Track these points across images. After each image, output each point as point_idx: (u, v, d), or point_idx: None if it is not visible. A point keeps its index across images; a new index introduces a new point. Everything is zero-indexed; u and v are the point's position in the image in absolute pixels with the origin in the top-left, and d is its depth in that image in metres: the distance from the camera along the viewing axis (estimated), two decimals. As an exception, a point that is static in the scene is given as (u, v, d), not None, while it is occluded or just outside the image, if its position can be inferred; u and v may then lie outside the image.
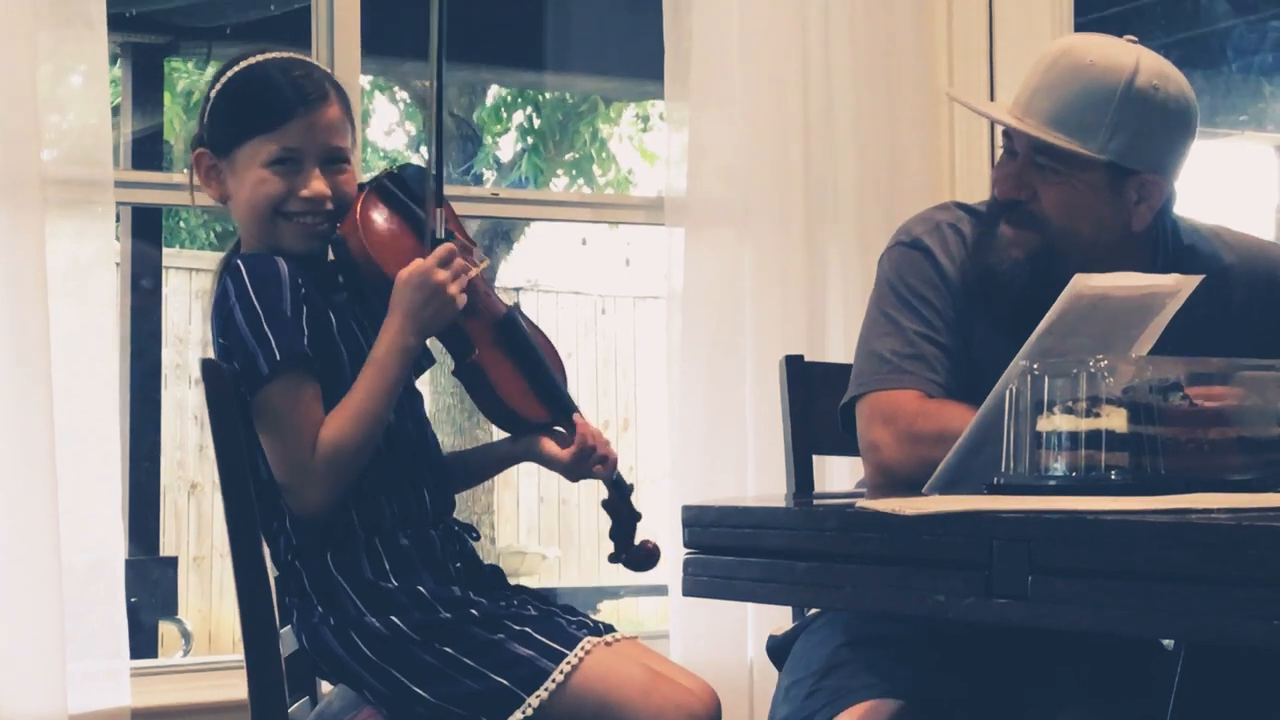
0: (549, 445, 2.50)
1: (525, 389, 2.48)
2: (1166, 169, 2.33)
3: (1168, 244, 2.41)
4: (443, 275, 2.35)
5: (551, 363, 2.53)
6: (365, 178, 2.51)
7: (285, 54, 2.44)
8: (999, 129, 2.43)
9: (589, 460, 2.50)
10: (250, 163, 2.37)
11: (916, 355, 2.34)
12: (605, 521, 2.59)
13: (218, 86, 2.42)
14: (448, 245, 2.38)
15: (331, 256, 2.43)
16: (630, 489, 2.58)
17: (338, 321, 2.36)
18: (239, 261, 2.34)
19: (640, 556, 2.56)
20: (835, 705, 2.12)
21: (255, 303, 2.28)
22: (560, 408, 2.51)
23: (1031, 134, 2.28)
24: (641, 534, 2.58)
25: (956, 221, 2.43)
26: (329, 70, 2.50)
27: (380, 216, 2.42)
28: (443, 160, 2.47)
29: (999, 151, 2.41)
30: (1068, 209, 2.30)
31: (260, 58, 2.42)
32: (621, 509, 2.56)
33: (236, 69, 2.42)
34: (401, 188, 2.46)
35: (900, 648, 2.17)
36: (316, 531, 2.32)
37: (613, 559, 2.58)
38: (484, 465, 2.62)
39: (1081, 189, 2.30)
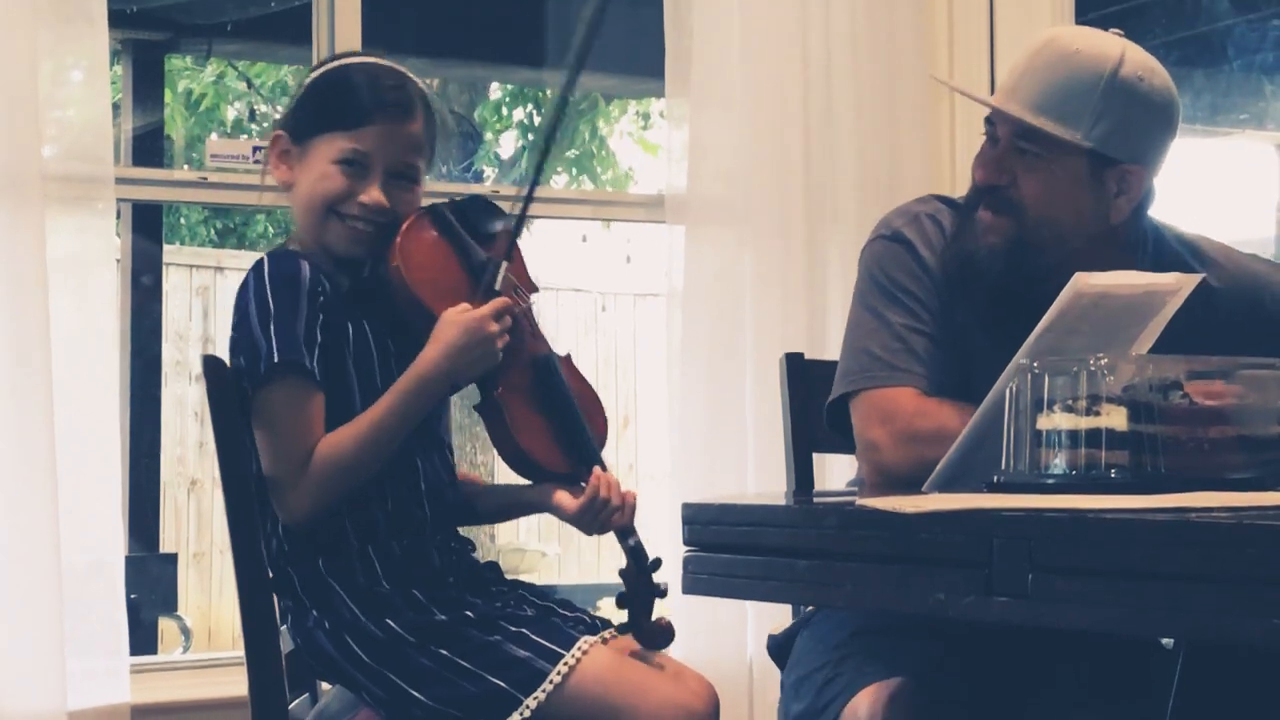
0: (560, 496, 2.41)
1: (545, 434, 2.41)
2: (1147, 162, 2.33)
3: (1148, 248, 2.41)
4: (494, 327, 2.33)
5: (590, 415, 2.45)
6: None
7: (388, 63, 2.43)
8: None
9: (600, 512, 2.40)
10: (321, 156, 2.37)
11: (906, 350, 2.34)
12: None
13: (314, 76, 2.43)
14: (505, 300, 2.36)
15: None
16: (654, 564, 2.42)
17: (355, 335, 2.35)
18: (264, 257, 2.34)
19: (651, 634, 2.40)
20: (851, 689, 2.11)
21: (269, 301, 2.28)
22: (582, 460, 2.42)
23: (1016, 116, 2.28)
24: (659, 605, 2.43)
25: (935, 213, 2.44)
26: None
27: (430, 243, 2.40)
28: (524, 219, 2.43)
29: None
30: (1047, 195, 2.30)
31: (361, 59, 2.43)
32: (637, 581, 2.41)
33: (336, 64, 2.43)
34: (461, 219, 2.44)
35: (907, 635, 2.17)
36: (306, 537, 2.32)
37: (622, 630, 2.39)
38: (509, 505, 2.55)
39: (1061, 176, 2.30)
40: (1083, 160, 2.29)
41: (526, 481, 2.46)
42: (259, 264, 2.33)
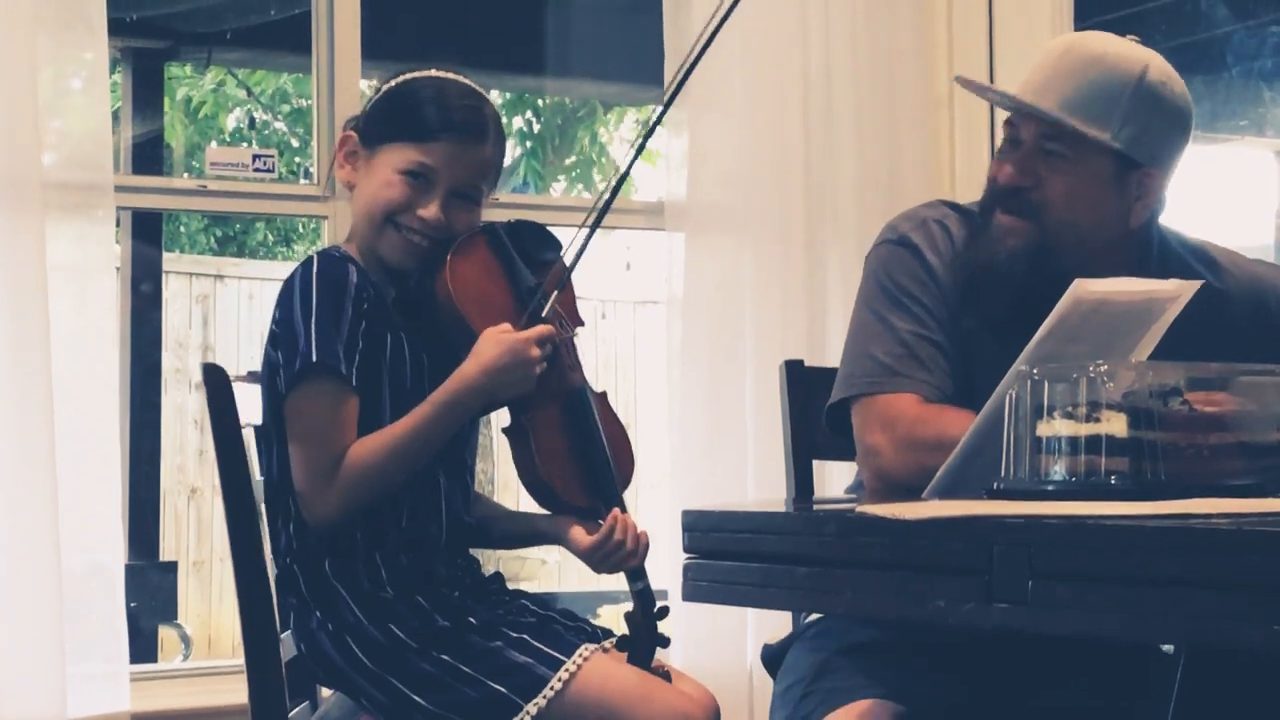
0: (575, 531, 2.40)
1: (569, 467, 2.41)
2: (1166, 167, 2.34)
3: (1155, 253, 2.41)
4: (536, 352, 2.34)
5: (617, 454, 2.44)
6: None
7: (468, 83, 2.45)
8: (1000, 131, 2.43)
9: (612, 554, 2.38)
10: (388, 163, 2.37)
11: (910, 356, 2.34)
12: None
13: (393, 83, 2.44)
14: (549, 328, 2.36)
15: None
16: (659, 612, 2.42)
17: (393, 346, 2.35)
18: (314, 256, 2.35)
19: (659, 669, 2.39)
20: (827, 705, 2.12)
21: (314, 301, 2.28)
22: (601, 497, 2.41)
23: (1049, 114, 2.27)
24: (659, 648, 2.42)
25: (943, 218, 2.43)
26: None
27: (481, 262, 2.41)
28: (584, 250, 2.43)
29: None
30: (1071, 197, 2.30)
31: (446, 74, 2.44)
32: (642, 627, 2.39)
33: (418, 75, 2.44)
34: (515, 241, 2.44)
35: (893, 654, 2.17)
36: (317, 538, 2.32)
37: (632, 648, 2.38)
38: (522, 533, 2.54)
39: (1087, 177, 2.30)
40: (1108, 162, 2.29)
41: (543, 511, 2.46)
42: (309, 261, 2.34)
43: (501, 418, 2.43)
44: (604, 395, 2.50)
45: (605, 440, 2.43)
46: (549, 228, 2.54)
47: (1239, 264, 2.49)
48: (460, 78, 2.45)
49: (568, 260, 2.45)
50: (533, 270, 2.44)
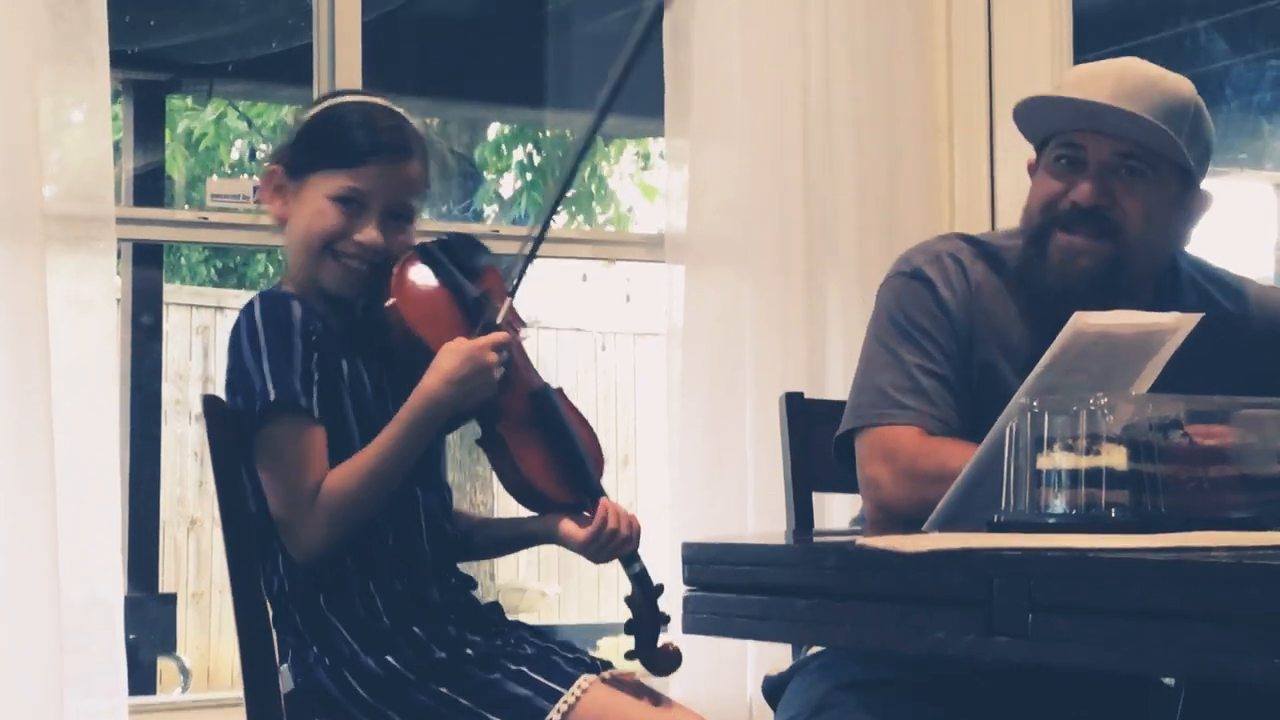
0: (567, 526, 2.39)
1: (548, 465, 2.41)
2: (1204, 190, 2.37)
3: (1170, 278, 2.41)
4: (493, 358, 2.33)
5: (586, 446, 2.44)
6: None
7: (386, 103, 2.44)
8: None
9: (609, 542, 2.38)
10: (317, 192, 2.37)
11: (917, 389, 2.33)
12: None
13: (313, 112, 2.43)
14: (503, 335, 2.36)
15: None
16: (658, 589, 2.43)
17: (350, 373, 2.35)
18: (255, 299, 2.34)
19: (659, 660, 2.42)
20: None
21: (262, 342, 2.28)
22: (585, 490, 2.41)
23: (1150, 121, 2.24)
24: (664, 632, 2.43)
25: (957, 252, 2.42)
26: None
27: (425, 281, 2.40)
28: (531, 260, 2.44)
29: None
30: (1149, 214, 2.29)
31: (361, 98, 2.44)
32: (643, 608, 2.42)
33: (334, 101, 2.44)
34: (451, 257, 2.44)
35: (892, 691, 2.17)
36: (309, 573, 2.32)
37: (629, 656, 2.41)
38: (509, 538, 2.54)
39: (1162, 196, 2.30)
40: (1177, 180, 2.31)
41: (529, 514, 2.46)
42: (250, 305, 2.33)
43: (473, 431, 2.43)
44: (562, 390, 2.50)
45: (575, 433, 2.43)
46: (544, 259, 2.54)
47: (1255, 290, 2.49)
48: (380, 99, 2.45)
49: (520, 267, 2.45)
50: (472, 280, 2.45)
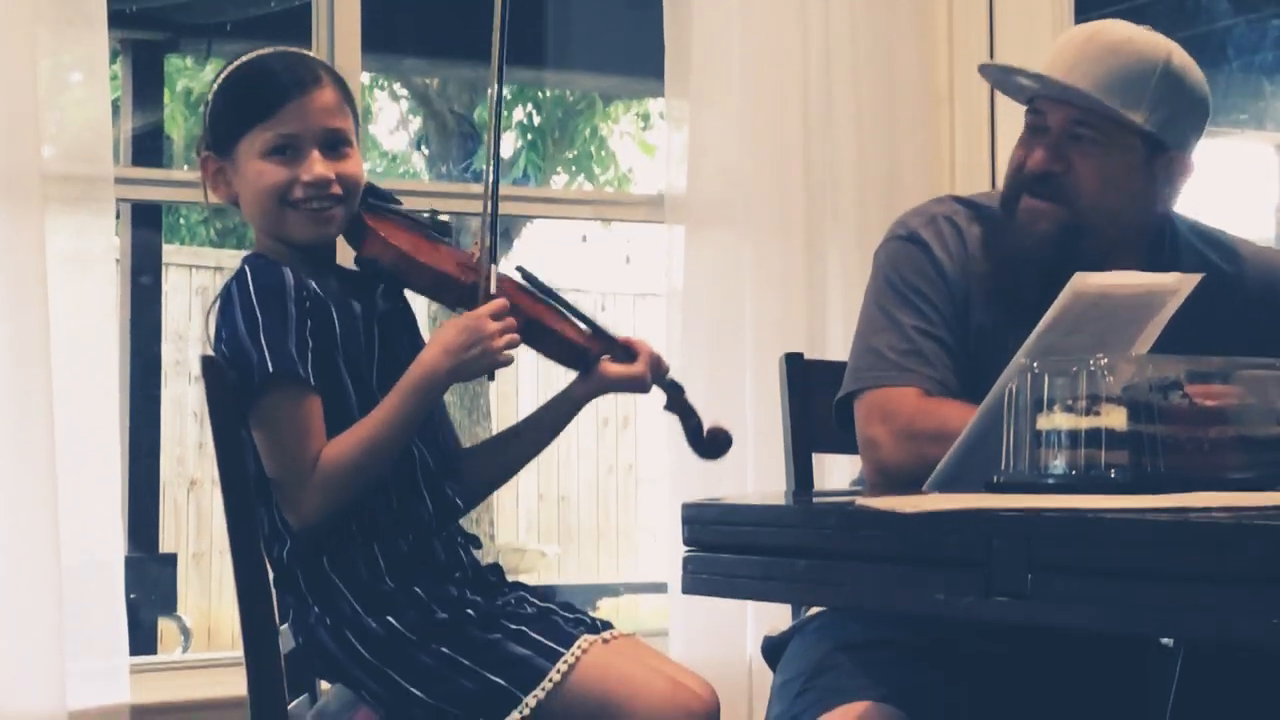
0: (615, 368, 2.47)
1: (574, 327, 2.49)
2: (1189, 153, 2.35)
3: (1166, 242, 2.41)
4: (493, 326, 2.33)
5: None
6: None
7: (275, 48, 2.43)
8: (1001, 127, 2.43)
9: (657, 365, 2.51)
10: (250, 155, 2.35)
11: (914, 351, 2.34)
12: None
13: (214, 88, 2.42)
14: (501, 301, 2.36)
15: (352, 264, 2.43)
16: (681, 387, 2.61)
17: (343, 334, 2.34)
18: (245, 266, 2.33)
19: (713, 440, 2.59)
20: (824, 704, 2.12)
21: (257, 312, 2.27)
22: (605, 336, 2.51)
23: (1089, 94, 2.27)
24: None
25: (953, 214, 2.43)
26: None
27: (387, 224, 2.42)
28: (496, 223, 2.45)
29: (1001, 148, 2.41)
30: (1103, 180, 2.30)
31: (251, 55, 2.42)
32: (685, 404, 2.59)
33: (229, 68, 2.42)
34: (382, 201, 2.46)
35: (892, 652, 2.17)
36: (312, 535, 2.32)
37: (696, 451, 2.61)
38: (560, 411, 2.52)
39: (1118, 161, 2.31)
40: (1139, 145, 2.31)
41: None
42: (241, 274, 2.31)
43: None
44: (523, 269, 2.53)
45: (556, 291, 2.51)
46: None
47: (1255, 252, 2.49)
48: (269, 48, 2.43)
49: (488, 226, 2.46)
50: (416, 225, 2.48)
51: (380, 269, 2.40)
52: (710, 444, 2.59)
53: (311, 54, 2.49)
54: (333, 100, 2.38)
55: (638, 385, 2.50)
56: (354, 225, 2.40)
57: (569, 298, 2.54)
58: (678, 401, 2.59)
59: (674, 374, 2.60)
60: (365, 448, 2.28)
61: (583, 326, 2.50)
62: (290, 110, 2.34)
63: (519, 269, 2.51)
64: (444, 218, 2.55)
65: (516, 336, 2.36)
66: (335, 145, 2.37)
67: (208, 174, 2.41)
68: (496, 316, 2.34)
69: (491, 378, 2.41)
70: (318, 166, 2.33)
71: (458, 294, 2.41)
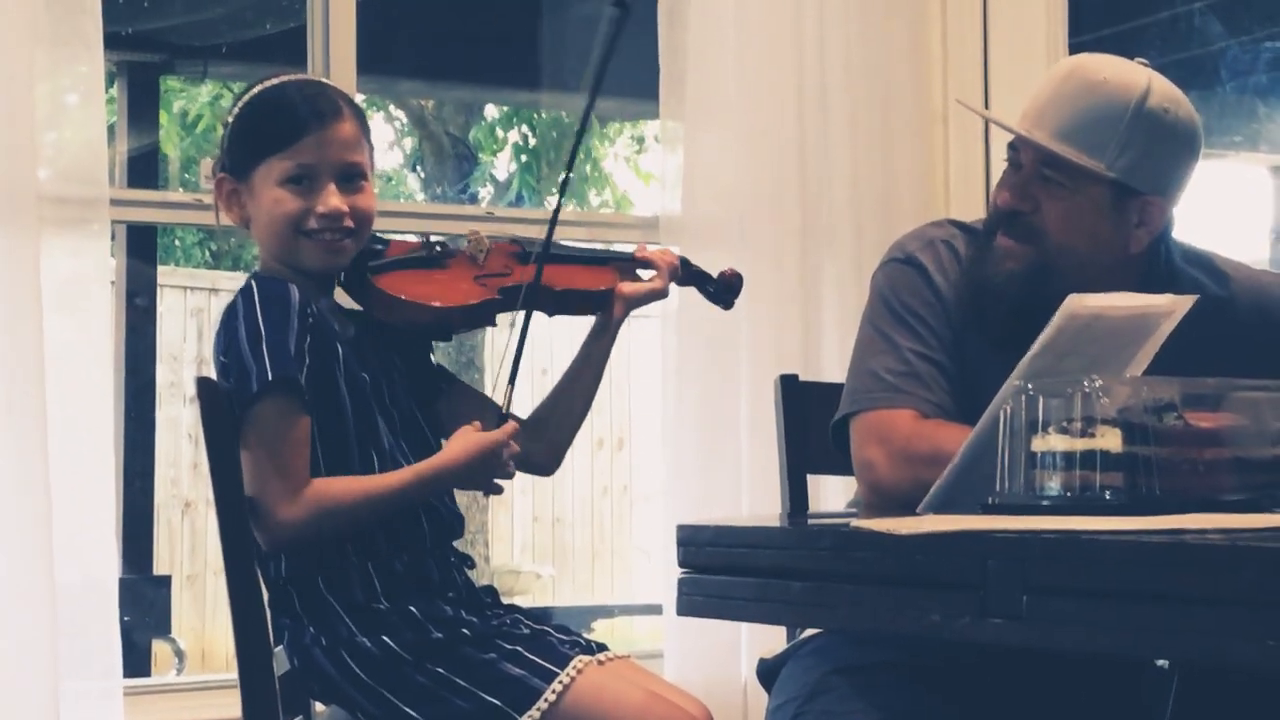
0: (632, 286, 2.53)
1: (584, 274, 2.53)
2: (1169, 193, 2.33)
3: (1162, 269, 2.41)
4: (508, 452, 2.35)
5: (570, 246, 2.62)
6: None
7: (300, 76, 2.46)
8: (995, 148, 2.44)
9: (677, 269, 2.57)
10: (267, 182, 2.36)
11: (911, 374, 2.34)
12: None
13: (235, 111, 2.43)
14: (515, 425, 2.38)
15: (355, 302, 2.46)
16: (692, 265, 2.66)
17: (345, 355, 2.35)
18: (252, 281, 2.34)
19: (724, 284, 2.66)
20: None
21: (260, 323, 2.28)
22: (618, 264, 2.56)
23: (1040, 144, 2.28)
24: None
25: (951, 238, 2.43)
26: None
27: (399, 276, 2.45)
28: (523, 346, 2.45)
29: (994, 171, 2.42)
30: (1068, 224, 2.30)
31: (275, 80, 2.43)
32: (696, 273, 2.65)
33: (251, 93, 2.43)
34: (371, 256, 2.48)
35: (888, 675, 2.17)
36: (308, 555, 2.32)
37: (702, 288, 2.67)
38: (595, 362, 2.56)
39: (1084, 205, 2.30)
40: (1106, 190, 2.29)
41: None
42: (247, 287, 2.33)
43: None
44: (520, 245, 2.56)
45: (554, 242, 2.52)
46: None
47: (1244, 273, 2.49)
48: (294, 75, 2.46)
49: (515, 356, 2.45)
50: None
51: (401, 328, 2.43)
52: (729, 288, 2.67)
53: (332, 84, 2.50)
54: (351, 134, 2.39)
55: (658, 296, 2.57)
56: (362, 289, 2.43)
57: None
58: (689, 276, 2.65)
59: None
60: (364, 501, 2.29)
61: (593, 269, 2.54)
62: (309, 142, 2.36)
63: (513, 240, 2.54)
64: (436, 237, 2.57)
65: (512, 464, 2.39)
66: (351, 178, 2.39)
67: (221, 195, 2.42)
68: (514, 438, 2.36)
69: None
70: (333, 199, 2.35)
71: (483, 316, 2.47)
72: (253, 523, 2.28)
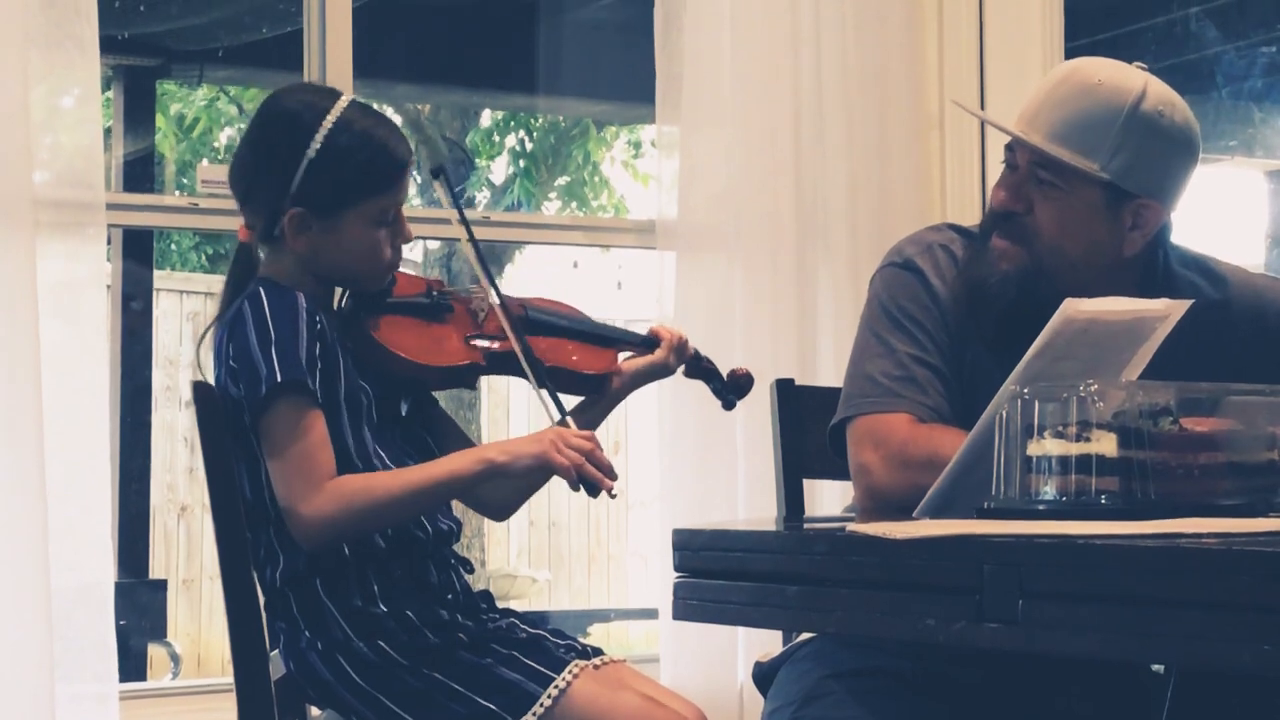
0: (635, 363, 2.59)
1: (582, 348, 2.55)
2: (1165, 196, 2.33)
3: (1159, 272, 2.41)
4: (574, 448, 2.33)
5: (567, 312, 2.62)
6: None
7: (376, 109, 2.46)
8: (991, 152, 2.44)
9: (685, 348, 2.64)
10: (358, 223, 2.37)
11: (908, 378, 2.34)
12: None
13: (316, 146, 2.34)
14: (582, 433, 2.38)
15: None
16: (700, 355, 2.72)
17: (346, 368, 2.35)
18: (260, 288, 2.33)
19: (740, 384, 2.72)
20: None
21: (270, 327, 2.28)
22: (615, 340, 2.59)
23: (1034, 145, 2.28)
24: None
25: (949, 242, 2.43)
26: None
27: (392, 321, 2.45)
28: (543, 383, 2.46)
29: (990, 175, 2.42)
30: (1061, 225, 2.30)
31: (357, 119, 2.37)
32: (702, 364, 2.71)
33: (332, 130, 2.35)
34: (380, 296, 2.47)
35: (883, 680, 2.17)
36: (306, 559, 2.32)
37: (712, 384, 2.73)
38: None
39: (1078, 207, 2.29)
40: (1100, 192, 2.29)
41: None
42: (255, 294, 2.32)
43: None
44: (524, 306, 2.57)
45: (560, 313, 2.59)
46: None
47: (1241, 277, 2.49)
48: (367, 106, 2.43)
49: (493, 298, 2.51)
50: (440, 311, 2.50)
51: (378, 371, 2.42)
52: (735, 388, 2.73)
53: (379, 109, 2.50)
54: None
55: (662, 373, 2.63)
56: (355, 326, 2.43)
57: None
58: (698, 369, 2.70)
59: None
60: (387, 496, 2.29)
61: (593, 349, 2.56)
62: (403, 184, 2.40)
63: (522, 303, 2.55)
64: (437, 278, 2.58)
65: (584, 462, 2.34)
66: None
67: (291, 226, 2.36)
68: (573, 446, 2.34)
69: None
70: (408, 229, 2.42)
71: (464, 378, 2.48)
72: (286, 521, 2.28)
